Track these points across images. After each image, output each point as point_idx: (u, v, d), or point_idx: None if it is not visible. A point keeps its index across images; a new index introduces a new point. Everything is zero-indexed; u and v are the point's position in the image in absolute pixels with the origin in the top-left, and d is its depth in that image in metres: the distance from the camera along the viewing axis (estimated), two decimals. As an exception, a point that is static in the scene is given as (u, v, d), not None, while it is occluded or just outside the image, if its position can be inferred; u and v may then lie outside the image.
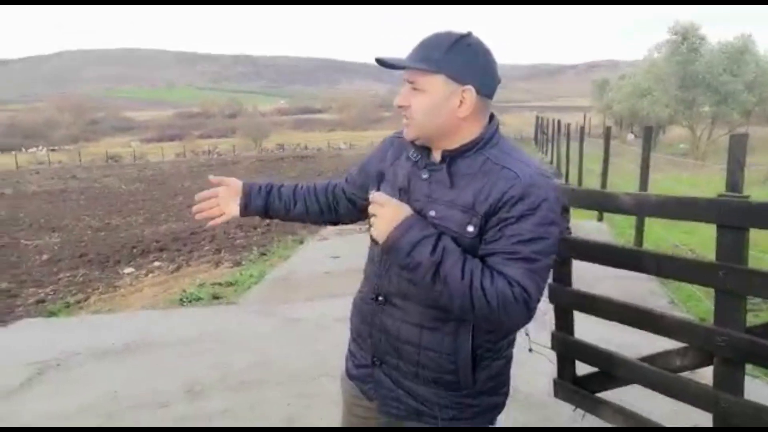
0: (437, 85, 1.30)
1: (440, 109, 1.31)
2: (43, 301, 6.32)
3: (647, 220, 6.49)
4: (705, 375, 2.22)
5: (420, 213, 1.32)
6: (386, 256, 1.36)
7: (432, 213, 1.33)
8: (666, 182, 9.28)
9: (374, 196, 1.34)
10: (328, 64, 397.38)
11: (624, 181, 8.77)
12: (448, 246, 1.26)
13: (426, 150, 1.39)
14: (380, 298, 1.43)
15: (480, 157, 1.33)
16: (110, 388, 3.41)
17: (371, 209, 1.33)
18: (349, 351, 1.58)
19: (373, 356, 1.47)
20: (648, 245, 6.12)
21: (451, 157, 1.35)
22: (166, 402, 3.22)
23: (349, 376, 1.56)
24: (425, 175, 1.37)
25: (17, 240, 10.19)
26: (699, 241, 6.36)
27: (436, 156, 1.38)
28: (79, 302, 6.18)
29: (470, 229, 1.29)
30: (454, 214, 1.31)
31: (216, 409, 3.12)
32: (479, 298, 1.21)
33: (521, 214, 1.24)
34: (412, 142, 1.39)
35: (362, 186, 1.57)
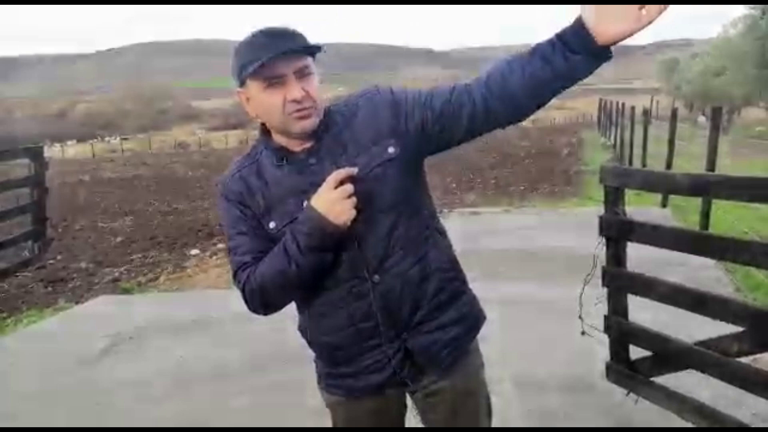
0: (313, 65, 1.32)
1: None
2: (117, 279, 6.72)
3: (717, 209, 6.20)
4: (764, 361, 2.15)
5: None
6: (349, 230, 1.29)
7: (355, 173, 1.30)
8: (738, 166, 8.79)
9: (339, 173, 1.27)
10: (387, 50, 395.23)
11: (691, 166, 8.35)
12: None
13: (278, 150, 1.36)
14: (376, 277, 1.34)
15: (333, 113, 1.36)
16: (178, 360, 3.64)
17: (338, 192, 1.25)
18: (353, 372, 1.44)
19: (399, 333, 1.38)
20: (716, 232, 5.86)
21: (322, 129, 1.34)
22: (228, 374, 3.41)
23: (376, 388, 1.44)
24: (313, 160, 1.34)
25: (95, 223, 10.83)
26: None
27: (296, 144, 1.35)
28: (150, 281, 6.54)
29: (391, 150, 1.33)
30: (369, 157, 1.32)
31: (274, 381, 3.27)
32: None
33: (419, 93, 1.34)
34: (273, 147, 1.36)
35: (261, 230, 1.39)
